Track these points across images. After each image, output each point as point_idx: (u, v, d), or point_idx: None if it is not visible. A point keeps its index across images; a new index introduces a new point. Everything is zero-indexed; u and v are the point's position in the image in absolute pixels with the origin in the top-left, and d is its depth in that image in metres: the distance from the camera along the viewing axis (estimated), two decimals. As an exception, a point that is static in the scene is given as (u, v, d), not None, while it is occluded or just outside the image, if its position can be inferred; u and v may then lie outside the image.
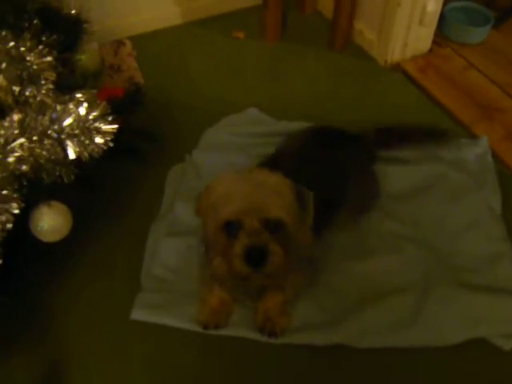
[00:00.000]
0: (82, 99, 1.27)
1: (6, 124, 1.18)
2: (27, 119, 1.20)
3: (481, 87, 2.58)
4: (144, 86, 2.51)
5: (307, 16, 3.09)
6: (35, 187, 1.31)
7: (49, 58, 1.29)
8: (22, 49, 1.25)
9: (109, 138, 1.27)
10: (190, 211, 1.88)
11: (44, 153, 1.21)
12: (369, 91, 2.59)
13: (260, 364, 1.62)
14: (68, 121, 1.22)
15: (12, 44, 1.25)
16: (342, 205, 1.78)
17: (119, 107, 1.67)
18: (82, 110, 1.24)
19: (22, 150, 1.18)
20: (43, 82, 1.28)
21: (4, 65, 1.24)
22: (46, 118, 1.21)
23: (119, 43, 2.81)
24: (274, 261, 1.30)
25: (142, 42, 2.86)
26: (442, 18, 2.74)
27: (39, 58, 1.27)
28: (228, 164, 2.12)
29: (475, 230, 1.92)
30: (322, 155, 1.78)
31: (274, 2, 2.73)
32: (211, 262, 1.47)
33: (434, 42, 2.77)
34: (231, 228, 1.32)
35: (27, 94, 1.26)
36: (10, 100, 1.25)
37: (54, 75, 1.30)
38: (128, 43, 2.82)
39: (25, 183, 1.26)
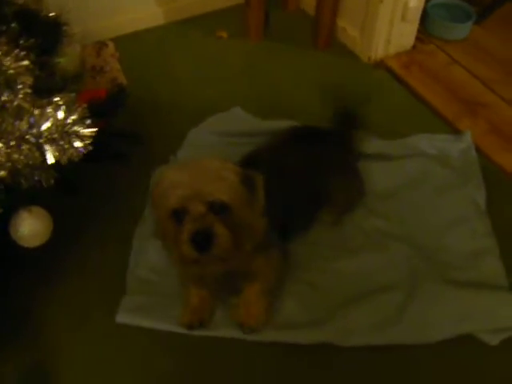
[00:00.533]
0: (61, 103, 1.25)
1: (-17, 129, 1.16)
2: (4, 124, 1.18)
3: (464, 83, 2.59)
4: (127, 86, 2.48)
5: (290, 14, 3.09)
6: (15, 192, 1.29)
7: (25, 62, 1.27)
8: (-1, 53, 1.24)
9: (88, 142, 1.25)
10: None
11: (22, 158, 1.19)
12: (353, 88, 2.58)
13: (245, 363, 1.63)
14: (46, 125, 1.21)
15: (-13, 49, 1.23)
16: (324, 202, 1.78)
17: (102, 109, 1.67)
18: (61, 114, 1.23)
19: (-1, 155, 1.16)
20: (20, 87, 1.26)
21: (-21, 70, 1.22)
22: (24, 122, 1.20)
23: (102, 44, 2.79)
24: (220, 242, 1.32)
25: (124, 42, 2.85)
26: (425, 15, 2.75)
27: (15, 62, 1.25)
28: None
29: (460, 225, 1.93)
30: (303, 153, 1.78)
31: (256, 0, 2.73)
32: (170, 256, 1.48)
33: (417, 38, 2.78)
34: (179, 216, 1.34)
35: (4, 98, 1.24)
36: (-14, 105, 1.24)
37: (31, 79, 1.28)
38: (111, 44, 2.80)
39: (2, 187, 1.24)
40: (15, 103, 1.23)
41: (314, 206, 1.69)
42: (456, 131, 2.33)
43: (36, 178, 1.29)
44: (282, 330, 1.65)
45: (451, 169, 2.14)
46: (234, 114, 2.42)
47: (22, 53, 1.28)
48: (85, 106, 1.30)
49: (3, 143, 1.17)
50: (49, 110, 1.22)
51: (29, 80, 1.28)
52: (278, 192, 1.51)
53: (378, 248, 1.86)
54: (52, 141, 1.22)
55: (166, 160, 2.19)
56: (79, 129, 1.24)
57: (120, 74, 2.62)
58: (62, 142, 1.22)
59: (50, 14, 1.67)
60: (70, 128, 1.23)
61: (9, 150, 1.17)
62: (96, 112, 1.35)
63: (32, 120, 1.21)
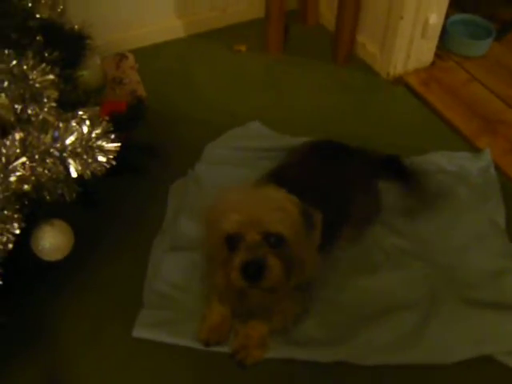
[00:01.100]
0: (85, 117, 1.26)
1: (8, 143, 1.16)
2: (29, 138, 1.18)
3: (483, 100, 2.58)
4: (146, 99, 2.50)
5: (309, 28, 3.09)
6: (37, 206, 1.30)
7: (51, 76, 1.28)
8: (25, 67, 1.25)
9: (111, 157, 1.25)
10: (193, 226, 1.90)
11: (46, 172, 1.19)
12: (371, 104, 2.59)
13: (263, 380, 1.61)
14: (70, 139, 1.21)
15: (15, 63, 1.24)
16: (345, 220, 1.77)
17: (122, 122, 1.67)
18: (85, 128, 1.23)
19: (24, 169, 1.16)
20: (45, 100, 1.27)
21: (6, 83, 1.23)
22: (48, 136, 1.20)
23: (121, 56, 2.81)
24: (271, 275, 1.30)
25: (144, 55, 2.86)
26: (444, 31, 2.74)
27: (42, 76, 1.27)
28: (230, 178, 2.10)
29: (480, 244, 1.91)
30: (325, 169, 1.77)
31: (276, 14, 2.74)
32: (213, 276, 1.46)
33: (436, 55, 2.77)
34: (232, 241, 1.33)
35: (29, 112, 1.25)
36: (11, 118, 1.24)
37: (57, 93, 1.30)
38: (130, 56, 2.82)
39: (26, 202, 1.25)
40: (40, 117, 1.24)
41: (337, 223, 1.68)
42: (475, 149, 2.32)
43: (59, 192, 1.30)
44: (300, 347, 1.63)
45: (471, 187, 2.12)
46: (253, 128, 2.42)
47: (48, 67, 1.29)
48: (107, 119, 1.31)
49: (28, 157, 1.17)
50: (73, 123, 1.23)
51: (54, 94, 1.29)
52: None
53: (398, 266, 1.85)
54: (76, 155, 1.22)
55: (184, 173, 2.19)
56: (103, 143, 1.24)
57: (139, 86, 2.63)
58: (85, 157, 1.23)
59: (74, 27, 1.69)
60: (94, 142, 1.23)
61: (33, 164, 1.17)
62: (117, 125, 1.35)
63: (56, 134, 1.21)
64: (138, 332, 1.68)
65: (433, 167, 2.20)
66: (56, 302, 1.78)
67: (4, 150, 1.16)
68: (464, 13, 2.95)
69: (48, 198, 1.28)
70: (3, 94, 1.22)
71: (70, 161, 1.21)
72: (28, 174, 1.17)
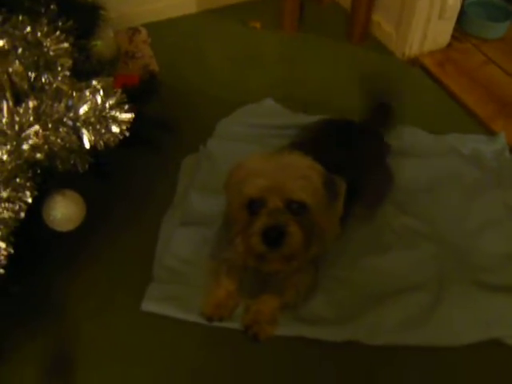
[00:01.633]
0: (99, 86, 1.24)
1: (21, 111, 1.15)
2: (42, 106, 1.17)
3: (500, 83, 2.54)
4: (159, 73, 2.49)
5: (325, 7, 3.06)
6: (49, 175, 1.29)
7: (65, 44, 1.27)
8: (39, 34, 1.23)
9: (125, 127, 1.24)
10: (204, 202, 1.89)
11: (59, 140, 1.18)
12: (387, 83, 2.55)
13: (269, 357, 1.61)
14: (84, 109, 1.20)
15: (29, 29, 1.23)
16: (358, 198, 1.75)
17: (134, 95, 1.65)
18: (98, 98, 1.21)
19: (37, 137, 1.15)
20: (59, 69, 1.26)
21: (20, 50, 1.22)
22: (62, 105, 1.19)
23: (134, 30, 2.79)
24: (291, 242, 1.30)
25: (157, 29, 2.84)
26: (462, 13, 2.70)
27: (56, 44, 1.25)
28: (242, 155, 2.06)
29: (492, 228, 1.90)
30: (338, 147, 1.75)
31: (291, -8, 2.71)
32: (232, 242, 1.45)
33: (452, 36, 2.74)
34: (254, 206, 1.33)
35: (43, 80, 1.24)
36: (25, 86, 1.23)
37: (71, 62, 1.28)
38: (143, 30, 2.80)
39: (39, 171, 1.24)
40: (54, 85, 1.23)
41: (351, 201, 1.67)
42: (490, 132, 2.29)
43: (72, 162, 1.29)
44: (308, 325, 1.63)
45: (484, 170, 2.11)
46: (266, 105, 2.40)
47: (63, 35, 1.28)
48: (121, 91, 1.29)
49: (41, 125, 1.16)
50: (87, 93, 1.21)
51: (68, 62, 1.28)
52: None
53: (408, 246, 1.84)
54: (89, 124, 1.21)
55: (196, 148, 2.18)
56: (117, 114, 1.23)
57: (152, 61, 2.61)
58: (98, 127, 1.21)
59: (88, -2, 1.67)
60: (108, 112, 1.22)
61: (47, 133, 1.16)
62: (130, 97, 1.34)
63: (70, 103, 1.20)
64: (147, 306, 1.68)
65: (447, 149, 2.18)
66: (66, 272, 1.78)
67: (17, 118, 1.15)
68: (483, -6, 2.90)
69: (60, 167, 1.27)
70: (17, 61, 1.21)
71: (84, 130, 1.20)
72: (41, 142, 1.16)
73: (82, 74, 1.36)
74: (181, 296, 1.69)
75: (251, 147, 2.13)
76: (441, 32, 2.66)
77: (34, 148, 1.16)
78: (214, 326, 1.64)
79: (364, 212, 1.86)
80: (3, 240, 1.18)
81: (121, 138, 1.25)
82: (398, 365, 1.59)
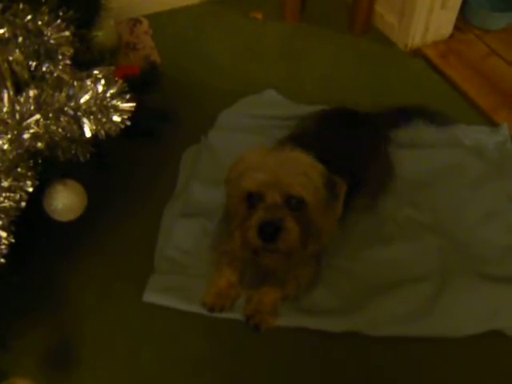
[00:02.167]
0: (100, 76, 1.23)
1: (22, 100, 1.15)
2: (43, 95, 1.16)
3: (502, 74, 2.53)
4: (160, 65, 2.48)
5: (327, -2, 3.04)
6: (50, 165, 1.28)
7: (66, 33, 1.26)
8: (39, 23, 1.22)
9: (126, 117, 1.23)
10: (205, 193, 1.89)
11: (60, 130, 1.18)
12: (388, 75, 2.55)
13: (270, 347, 1.61)
14: (85, 98, 1.19)
15: (29, 17, 1.22)
16: (360, 188, 1.74)
17: (135, 86, 1.65)
18: (100, 87, 1.21)
19: (38, 126, 1.15)
20: (60, 58, 1.25)
21: (20, 39, 1.21)
22: (63, 94, 1.18)
23: (135, 21, 2.78)
24: (287, 238, 1.29)
25: (158, 20, 2.82)
26: (465, 3, 2.68)
27: (57, 33, 1.24)
28: (243, 146, 2.05)
29: (494, 219, 1.90)
30: (339, 137, 1.75)
31: (293, -18, 2.69)
32: (232, 235, 1.44)
33: (455, 27, 2.72)
34: (253, 200, 1.33)
35: (44, 69, 1.23)
36: (26, 75, 1.22)
37: (72, 51, 1.27)
38: (144, 21, 2.79)
39: (40, 161, 1.23)
40: (55, 74, 1.22)
41: (352, 192, 1.66)
42: (492, 123, 2.28)
43: (73, 152, 1.28)
44: (311, 316, 1.63)
45: (486, 161, 2.10)
46: (267, 96, 2.40)
47: (64, 23, 1.27)
48: (122, 80, 1.28)
49: (42, 114, 1.15)
50: (88, 82, 1.20)
51: (69, 51, 1.27)
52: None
53: (410, 238, 1.84)
54: (90, 114, 1.20)
55: (197, 139, 2.18)
56: (118, 103, 1.22)
57: (153, 52, 2.60)
58: (100, 116, 1.21)
59: (89, -13, 1.65)
60: (109, 102, 1.21)
61: (47, 122, 1.16)
62: (131, 88, 1.33)
63: (71, 92, 1.19)
64: (148, 297, 1.68)
65: (449, 140, 2.17)
66: (67, 263, 1.78)
67: (18, 107, 1.14)
68: (486, -16, 2.88)
69: (61, 157, 1.26)
70: (17, 50, 1.20)
71: (85, 120, 1.19)
72: (42, 131, 1.15)
73: (82, 65, 1.35)
74: (182, 287, 1.69)
75: (253, 138, 2.13)
76: (443, 22, 2.64)
77: (34, 137, 1.15)
78: (216, 316, 1.64)
79: (366, 202, 1.85)
80: (4, 229, 1.17)
81: (122, 127, 1.24)
82: (399, 356, 1.59)
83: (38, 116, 1.15)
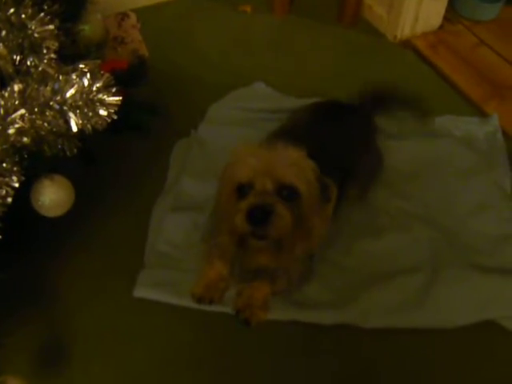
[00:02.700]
0: (86, 70, 1.22)
1: (6, 94, 1.13)
2: (28, 89, 1.15)
3: (492, 65, 2.54)
4: (149, 58, 2.46)
5: (316, -11, 3.03)
6: (37, 160, 1.27)
7: (51, 27, 1.24)
8: (23, 16, 1.21)
9: (112, 111, 1.22)
10: (196, 187, 1.88)
11: (45, 124, 1.16)
12: (377, 67, 2.54)
13: (264, 341, 1.60)
14: (71, 92, 1.18)
15: (12, 10, 1.20)
16: (350, 179, 1.74)
17: (123, 80, 1.63)
18: (85, 81, 1.19)
19: (23, 121, 1.13)
20: (45, 52, 1.23)
21: (4, 32, 1.19)
22: (48, 88, 1.17)
23: (123, 15, 2.75)
24: (277, 223, 1.25)
25: (146, 14, 2.80)
26: (454, -6, 2.68)
27: (41, 26, 1.22)
28: (233, 139, 2.06)
29: (485, 210, 1.90)
30: (329, 129, 1.73)
31: (282, -26, 2.68)
32: (220, 229, 1.43)
33: (444, 18, 2.72)
34: (243, 190, 1.30)
35: (28, 63, 1.22)
36: (10, 69, 1.21)
37: (57, 44, 1.26)
38: (132, 15, 2.77)
39: (26, 156, 1.22)
40: (40, 68, 1.21)
41: (343, 183, 1.65)
42: (483, 114, 2.29)
43: (60, 147, 1.27)
44: (302, 309, 1.63)
45: (477, 152, 2.10)
46: (257, 89, 2.39)
47: (47, 17, 1.25)
48: (108, 74, 1.27)
49: (27, 109, 1.14)
50: (73, 76, 1.19)
51: (54, 45, 1.25)
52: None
53: (402, 229, 1.84)
54: (76, 108, 1.19)
55: (187, 133, 2.17)
56: (104, 97, 1.20)
57: (141, 46, 2.58)
58: (86, 110, 1.19)
59: (74, -20, 1.63)
60: (95, 96, 1.20)
61: (32, 116, 1.14)
62: (118, 82, 1.32)
63: (56, 86, 1.18)
64: (139, 292, 1.67)
65: (439, 131, 2.17)
66: (56, 259, 1.77)
67: (2, 102, 1.13)
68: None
69: (48, 151, 1.25)
70: (1, 44, 1.18)
71: (71, 114, 1.18)
72: (27, 126, 1.14)
73: (68, 59, 1.33)
74: (173, 281, 1.68)
75: (243, 131, 2.12)
76: (433, 13, 2.64)
77: (20, 132, 1.14)
78: (206, 310, 1.63)
79: (356, 193, 1.84)
80: (-10, 226, 1.16)
81: (109, 121, 1.23)
82: (390, 347, 1.59)
83: (23, 111, 1.14)
